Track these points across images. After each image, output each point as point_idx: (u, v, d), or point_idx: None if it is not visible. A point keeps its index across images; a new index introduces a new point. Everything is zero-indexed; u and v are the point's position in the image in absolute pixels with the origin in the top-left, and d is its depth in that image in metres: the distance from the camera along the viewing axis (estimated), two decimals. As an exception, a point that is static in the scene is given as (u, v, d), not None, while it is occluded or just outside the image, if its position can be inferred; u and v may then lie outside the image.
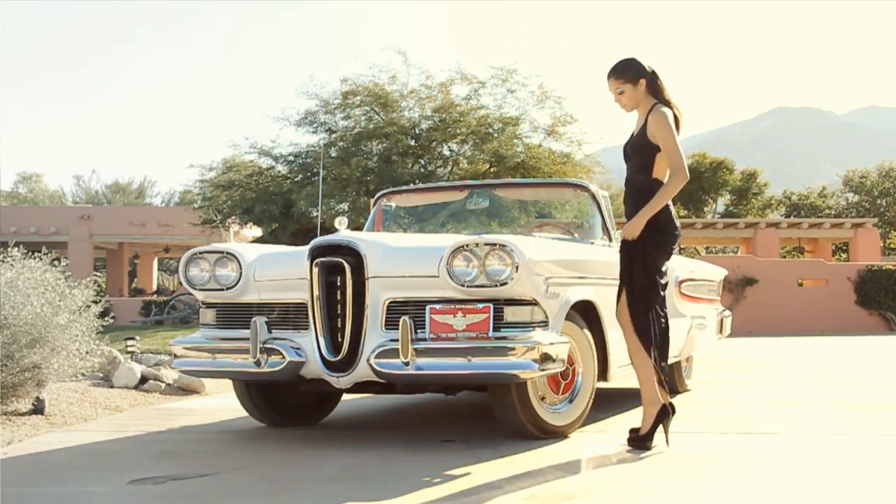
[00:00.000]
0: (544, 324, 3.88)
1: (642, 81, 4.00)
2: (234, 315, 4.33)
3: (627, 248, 3.96)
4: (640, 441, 3.89)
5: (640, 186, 3.99)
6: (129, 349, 8.06)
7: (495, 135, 17.50)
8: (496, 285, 3.76)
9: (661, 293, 3.97)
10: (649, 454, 3.76)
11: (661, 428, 3.90)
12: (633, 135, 4.10)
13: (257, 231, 22.00)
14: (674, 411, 3.95)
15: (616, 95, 4.03)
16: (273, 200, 18.20)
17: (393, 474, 3.40)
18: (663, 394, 3.93)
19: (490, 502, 2.93)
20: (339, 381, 3.99)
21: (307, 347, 4.02)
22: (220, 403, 5.94)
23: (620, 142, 4.24)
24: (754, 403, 5.76)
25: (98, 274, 31.58)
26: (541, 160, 17.38)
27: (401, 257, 4.00)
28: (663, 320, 3.96)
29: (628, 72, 4.00)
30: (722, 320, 6.91)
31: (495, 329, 3.78)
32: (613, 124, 4.16)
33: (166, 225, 27.99)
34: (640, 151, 4.00)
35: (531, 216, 5.80)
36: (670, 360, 5.75)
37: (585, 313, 4.26)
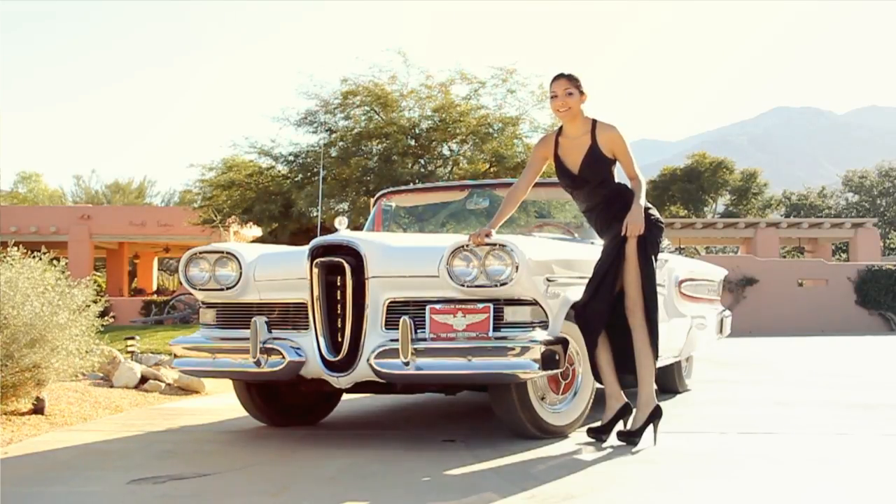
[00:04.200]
0: (544, 324, 3.88)
1: (585, 97, 4.11)
2: (234, 315, 4.33)
3: (628, 244, 3.97)
4: (628, 436, 3.97)
5: (611, 196, 4.08)
6: (129, 349, 8.06)
7: (495, 135, 17.49)
8: (496, 285, 3.76)
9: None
10: (649, 454, 3.76)
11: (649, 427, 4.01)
12: (563, 162, 4.14)
13: (257, 231, 21.99)
14: (630, 411, 4.07)
15: (563, 97, 4.07)
16: (273, 200, 18.19)
17: (393, 474, 3.40)
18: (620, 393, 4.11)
19: (490, 502, 2.92)
20: (339, 381, 3.99)
21: (307, 347, 4.02)
22: (220, 403, 5.94)
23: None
24: (754, 403, 5.76)
25: (98, 274, 31.57)
26: (541, 160, 17.33)
27: (401, 257, 4.00)
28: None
29: (579, 81, 4.10)
30: (722, 320, 6.92)
31: (495, 329, 3.78)
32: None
33: (166, 225, 27.98)
34: (599, 168, 4.08)
35: (531, 216, 5.80)
36: (670, 361, 5.77)
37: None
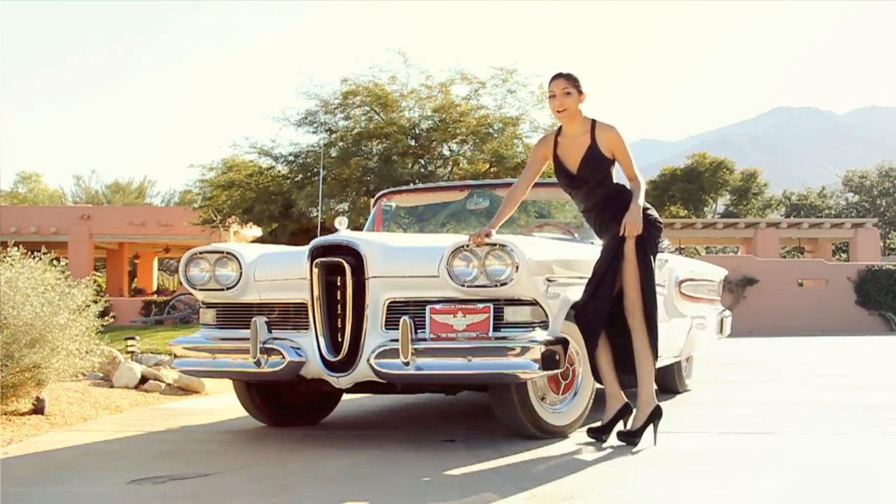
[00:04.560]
0: (544, 324, 3.88)
1: (584, 96, 4.11)
2: (234, 315, 4.33)
3: (626, 244, 3.97)
4: (629, 436, 3.97)
5: (609, 196, 4.09)
6: (129, 349, 8.06)
7: (495, 135, 17.50)
8: (496, 285, 3.76)
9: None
10: (649, 454, 3.76)
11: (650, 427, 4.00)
12: (563, 162, 4.14)
13: (257, 231, 21.99)
14: (631, 411, 4.07)
15: (561, 96, 4.06)
16: (273, 200, 18.19)
17: (393, 474, 3.40)
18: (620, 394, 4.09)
19: (490, 502, 2.92)
20: (339, 381, 3.99)
21: (307, 347, 4.02)
22: (220, 403, 5.94)
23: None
24: (754, 403, 5.76)
25: (98, 274, 31.57)
26: (541, 160, 17.35)
27: (401, 257, 4.00)
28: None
29: (578, 81, 4.10)
30: (722, 320, 6.92)
31: (495, 329, 3.78)
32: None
33: (166, 225, 27.99)
34: (598, 167, 4.08)
35: (531, 216, 5.80)
36: (670, 361, 5.77)
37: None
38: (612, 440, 4.02)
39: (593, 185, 4.10)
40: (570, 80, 4.08)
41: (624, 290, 3.99)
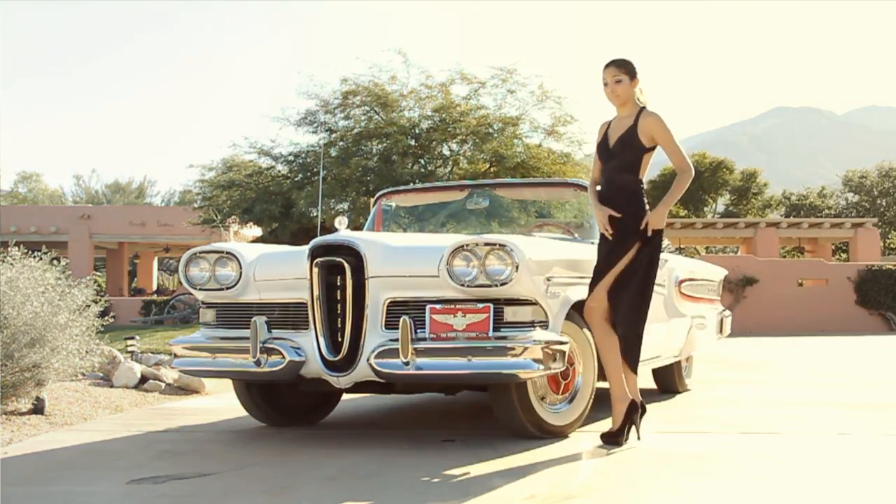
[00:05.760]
0: (544, 324, 3.88)
1: (637, 81, 4.13)
2: (234, 315, 4.33)
3: (633, 242, 3.98)
4: (612, 437, 3.93)
5: (629, 188, 4.07)
6: (129, 349, 8.06)
7: (495, 135, 17.49)
8: (496, 285, 3.76)
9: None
10: (649, 454, 3.76)
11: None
12: (608, 136, 4.17)
13: (257, 231, 22.00)
14: (644, 410, 4.03)
15: (612, 84, 4.10)
16: (273, 200, 18.19)
17: (393, 474, 3.40)
18: (636, 391, 4.04)
19: (490, 502, 2.92)
20: (339, 380, 3.99)
21: (307, 347, 4.02)
22: (220, 403, 5.94)
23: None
24: (754, 403, 5.76)
25: (98, 273, 31.58)
26: (541, 160, 17.38)
27: (401, 257, 4.00)
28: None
29: (629, 66, 4.12)
30: (722, 320, 6.91)
31: (495, 329, 3.78)
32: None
33: (166, 225, 28.01)
34: (630, 150, 4.08)
35: (531, 216, 5.80)
36: (670, 361, 5.77)
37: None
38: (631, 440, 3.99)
39: (620, 165, 4.09)
40: (621, 67, 4.11)
41: (618, 292, 3.98)
